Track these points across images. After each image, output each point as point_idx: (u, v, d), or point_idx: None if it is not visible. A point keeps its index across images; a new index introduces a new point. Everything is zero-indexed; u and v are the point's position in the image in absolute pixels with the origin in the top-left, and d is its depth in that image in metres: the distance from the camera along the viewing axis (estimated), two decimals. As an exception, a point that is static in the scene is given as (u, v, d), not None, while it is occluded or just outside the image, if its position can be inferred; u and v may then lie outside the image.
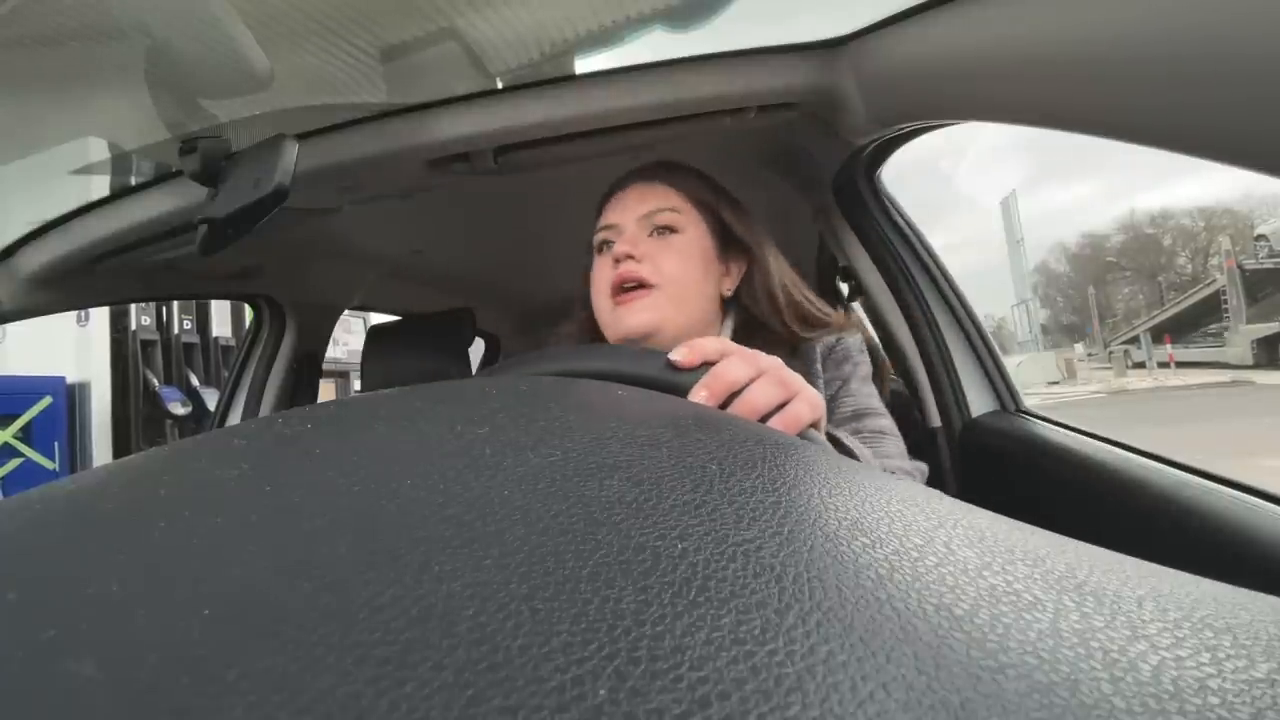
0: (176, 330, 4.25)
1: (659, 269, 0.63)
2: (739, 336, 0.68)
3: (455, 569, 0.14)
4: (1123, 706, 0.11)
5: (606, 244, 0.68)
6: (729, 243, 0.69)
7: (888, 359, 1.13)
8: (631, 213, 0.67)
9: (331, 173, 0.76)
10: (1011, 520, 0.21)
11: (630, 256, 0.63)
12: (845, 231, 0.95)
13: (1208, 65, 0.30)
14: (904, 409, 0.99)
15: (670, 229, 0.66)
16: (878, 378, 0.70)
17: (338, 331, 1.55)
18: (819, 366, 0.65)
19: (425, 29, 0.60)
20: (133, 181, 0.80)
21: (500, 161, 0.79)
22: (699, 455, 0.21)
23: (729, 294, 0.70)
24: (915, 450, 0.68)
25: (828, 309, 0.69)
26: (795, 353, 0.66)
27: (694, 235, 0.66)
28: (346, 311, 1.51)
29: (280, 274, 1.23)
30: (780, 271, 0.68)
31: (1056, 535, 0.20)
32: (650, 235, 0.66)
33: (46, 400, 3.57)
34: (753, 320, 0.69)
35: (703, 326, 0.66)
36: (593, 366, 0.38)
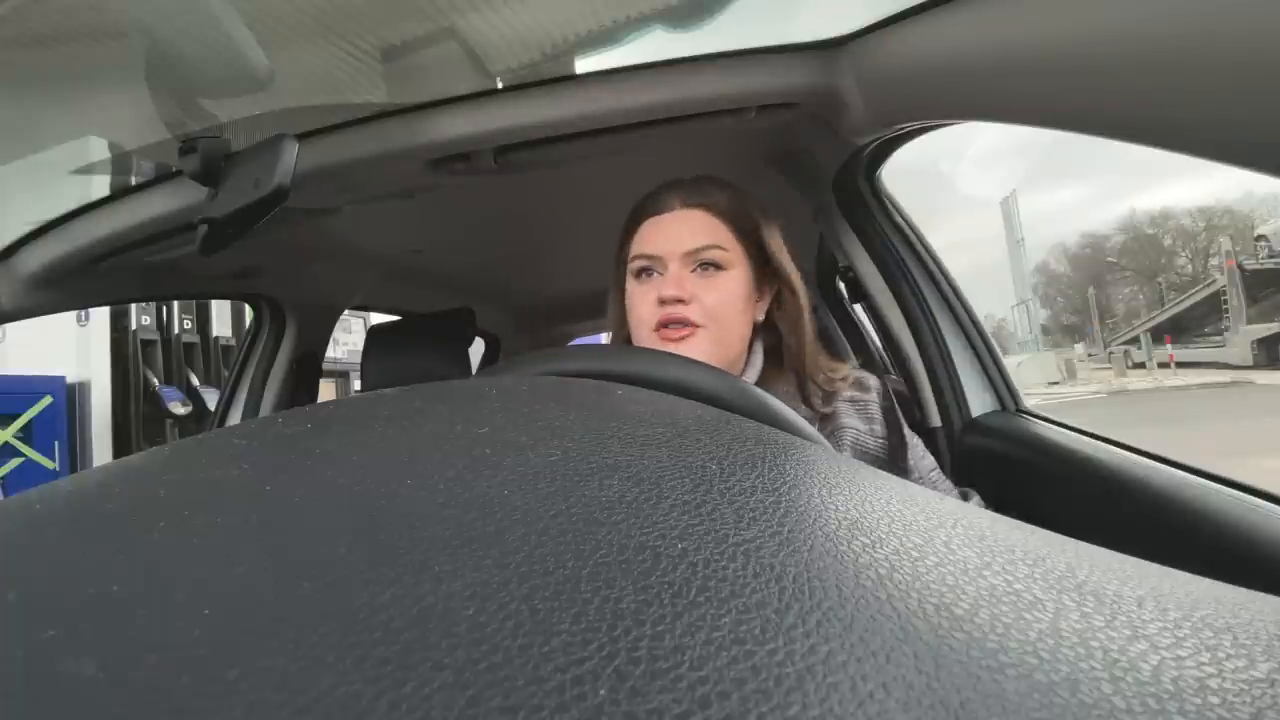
0: (176, 330, 4.25)
1: (705, 308, 0.63)
2: (766, 363, 0.70)
3: (455, 569, 0.14)
4: (1123, 706, 0.11)
5: (646, 272, 0.66)
6: (765, 270, 0.68)
7: (888, 358, 1.13)
8: (676, 246, 0.64)
9: (331, 173, 0.76)
10: (1011, 520, 0.21)
11: (679, 300, 0.62)
12: (845, 231, 0.95)
13: (1208, 65, 0.30)
14: (904, 409, 0.99)
15: (716, 265, 0.64)
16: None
17: (338, 331, 1.55)
18: (878, 426, 0.68)
19: (425, 29, 0.60)
20: (133, 181, 0.80)
21: (500, 161, 0.79)
22: (699, 455, 0.21)
23: (760, 319, 0.69)
24: None
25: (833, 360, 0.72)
26: (838, 399, 0.68)
27: (739, 272, 0.65)
28: (346, 311, 1.51)
29: (280, 274, 1.23)
30: (807, 303, 0.69)
31: (1056, 535, 0.20)
32: (694, 270, 0.64)
33: (46, 400, 3.57)
34: (775, 347, 0.70)
35: (738, 354, 0.67)
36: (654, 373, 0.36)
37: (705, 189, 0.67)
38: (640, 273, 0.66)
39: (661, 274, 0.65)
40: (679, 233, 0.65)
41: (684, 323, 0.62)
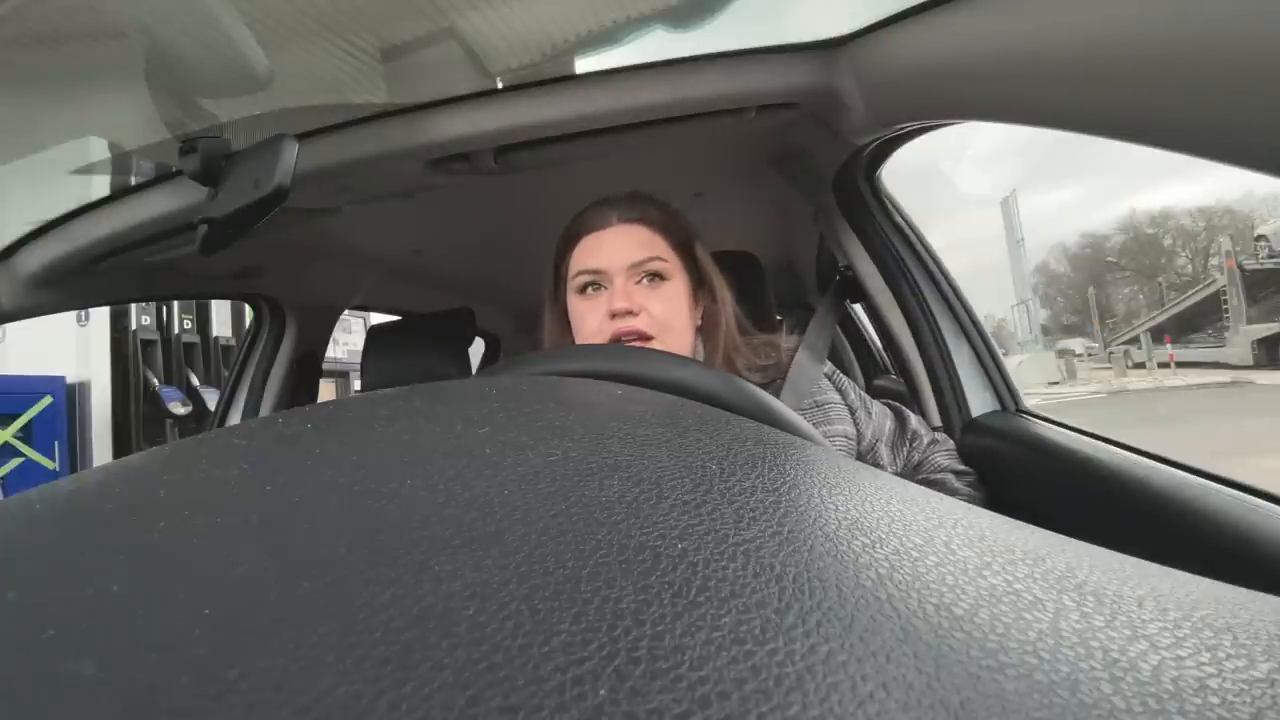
0: (176, 330, 4.25)
1: (654, 318, 0.65)
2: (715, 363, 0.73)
3: (455, 569, 0.14)
4: (1123, 706, 0.11)
5: (592, 286, 0.68)
6: (699, 281, 0.72)
7: (888, 358, 1.12)
8: (619, 260, 0.66)
9: (331, 173, 0.76)
10: (1011, 520, 0.21)
11: (629, 312, 0.64)
12: (845, 231, 0.95)
13: (1208, 65, 0.30)
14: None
15: (659, 276, 0.67)
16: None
17: (338, 331, 1.55)
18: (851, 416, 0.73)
19: (425, 29, 0.60)
20: (133, 181, 0.80)
21: (500, 161, 0.79)
22: (699, 455, 0.21)
23: (699, 325, 0.73)
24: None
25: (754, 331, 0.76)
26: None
27: (679, 281, 0.68)
28: (346, 311, 1.52)
29: (280, 274, 1.23)
30: (730, 303, 0.73)
31: (1056, 535, 0.20)
32: (639, 282, 0.67)
33: (46, 400, 3.56)
34: (716, 349, 0.73)
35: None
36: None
37: (639, 205, 0.69)
38: (585, 287, 0.68)
39: (607, 288, 0.66)
40: (621, 246, 0.67)
41: (637, 334, 0.64)
